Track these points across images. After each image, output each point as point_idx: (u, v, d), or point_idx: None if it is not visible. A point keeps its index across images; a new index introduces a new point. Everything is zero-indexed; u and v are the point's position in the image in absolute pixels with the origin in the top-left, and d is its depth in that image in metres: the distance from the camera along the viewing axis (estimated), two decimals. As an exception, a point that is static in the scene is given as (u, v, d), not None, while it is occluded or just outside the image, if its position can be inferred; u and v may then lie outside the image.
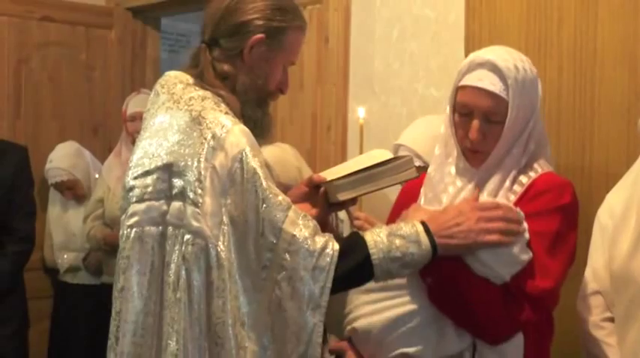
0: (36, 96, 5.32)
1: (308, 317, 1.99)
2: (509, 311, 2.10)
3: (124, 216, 2.15)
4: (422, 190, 2.37)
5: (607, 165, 3.04)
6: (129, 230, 2.11)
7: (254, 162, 2.01)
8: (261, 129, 2.22)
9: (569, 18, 3.15)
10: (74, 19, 5.46)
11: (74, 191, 5.00)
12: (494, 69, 2.17)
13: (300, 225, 2.01)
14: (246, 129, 2.08)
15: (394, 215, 2.44)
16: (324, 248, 2.00)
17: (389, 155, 2.41)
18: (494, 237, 2.08)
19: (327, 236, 2.04)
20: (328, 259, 2.00)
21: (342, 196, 2.29)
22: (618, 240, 2.56)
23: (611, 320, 2.60)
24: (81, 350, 4.84)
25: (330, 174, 2.37)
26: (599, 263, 2.63)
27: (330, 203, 2.35)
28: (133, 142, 4.56)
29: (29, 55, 5.29)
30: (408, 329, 2.16)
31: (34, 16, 5.28)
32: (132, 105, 4.71)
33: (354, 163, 2.40)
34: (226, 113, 2.10)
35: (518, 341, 2.15)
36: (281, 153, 3.37)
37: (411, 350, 2.15)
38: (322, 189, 2.33)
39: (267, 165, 2.05)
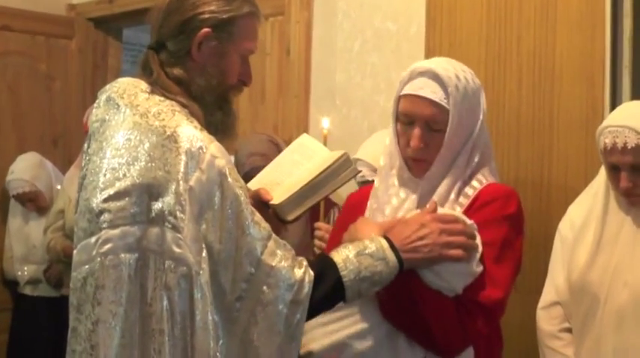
0: (-5, 106, 5.29)
1: (284, 350, 1.93)
2: (463, 323, 2.09)
3: (94, 241, 1.94)
4: (369, 203, 2.35)
5: (566, 179, 3.09)
6: (102, 258, 1.91)
7: (235, 186, 1.91)
8: (222, 133, 2.09)
9: (528, 33, 3.20)
10: (34, 28, 5.42)
11: (36, 202, 4.96)
12: (435, 77, 2.15)
13: (279, 255, 1.93)
14: (222, 148, 1.95)
15: (338, 227, 2.43)
16: (302, 280, 1.93)
17: (320, 145, 2.37)
18: (457, 252, 2.05)
19: (305, 266, 1.96)
20: (306, 291, 1.93)
21: (291, 216, 2.23)
22: (577, 251, 2.62)
23: (569, 330, 2.66)
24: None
25: (269, 179, 2.32)
26: (559, 274, 2.69)
27: (283, 220, 2.28)
28: (96, 154, 4.53)
29: (-13, 64, 5.27)
30: (360, 352, 2.13)
31: (-7, 25, 5.26)
32: (93, 117, 4.68)
33: (290, 163, 2.35)
34: (201, 129, 1.96)
35: (468, 353, 2.15)
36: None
37: None
38: (270, 210, 2.25)
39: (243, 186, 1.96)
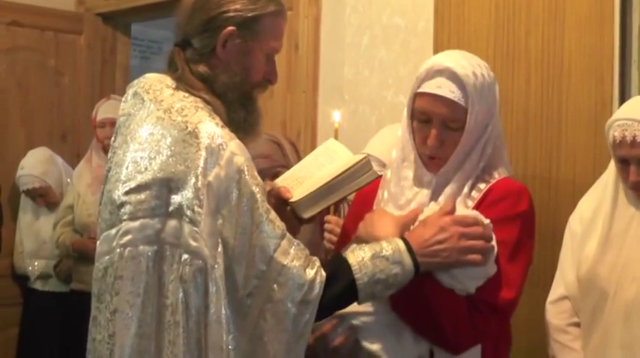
0: (4, 101, 5.28)
1: (291, 348, 1.95)
2: (475, 322, 2.10)
3: (114, 232, 1.99)
4: (379, 193, 2.36)
5: (574, 174, 3.09)
6: (122, 249, 1.96)
7: (252, 184, 1.94)
8: (245, 131, 2.11)
9: (536, 28, 3.20)
10: (43, 24, 5.43)
11: (46, 198, 4.98)
12: (453, 76, 2.16)
13: (291, 254, 1.95)
14: (242, 145, 1.98)
15: (349, 221, 2.45)
16: (313, 281, 1.95)
17: (344, 149, 2.39)
18: (476, 257, 2.05)
19: (317, 266, 1.97)
20: (316, 292, 1.95)
21: (307, 214, 2.26)
22: (585, 245, 2.63)
23: (577, 325, 2.67)
24: (51, 355, 4.84)
25: (292, 179, 2.36)
26: (568, 269, 2.70)
27: (299, 219, 2.30)
28: (104, 149, 4.56)
29: (-4, 60, 5.29)
30: (362, 324, 2.14)
31: (2, 20, 5.24)
32: (102, 112, 4.70)
33: (313, 164, 2.38)
34: (222, 126, 1.99)
35: (475, 350, 2.15)
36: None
37: (370, 346, 2.13)
38: (289, 208, 2.27)
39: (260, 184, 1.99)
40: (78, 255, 4.59)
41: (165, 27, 6.50)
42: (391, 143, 2.80)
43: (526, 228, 2.20)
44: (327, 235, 2.92)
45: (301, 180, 2.34)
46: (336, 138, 2.73)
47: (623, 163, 2.50)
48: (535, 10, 3.20)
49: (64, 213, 4.76)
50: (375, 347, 2.13)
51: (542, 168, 3.17)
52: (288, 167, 2.98)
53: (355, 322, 2.15)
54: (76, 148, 5.50)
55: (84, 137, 5.39)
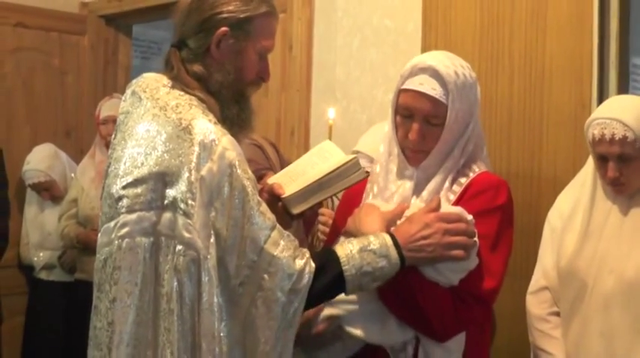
0: (10, 100, 5.36)
1: (280, 336, 2.00)
2: (458, 312, 2.15)
3: (113, 224, 2.06)
4: (367, 187, 2.42)
5: (555, 172, 3.15)
6: (120, 240, 2.03)
7: (243, 178, 1.99)
8: (238, 127, 2.17)
9: (519, 32, 3.26)
10: (48, 25, 5.48)
11: (51, 192, 5.06)
12: (435, 74, 2.22)
13: (281, 245, 2.00)
14: (234, 141, 2.03)
15: (338, 215, 2.53)
16: (302, 271, 2.00)
17: (338, 150, 2.45)
18: (459, 253, 2.10)
19: (306, 257, 2.02)
20: (305, 282, 2.00)
21: (296, 209, 2.30)
22: (565, 239, 2.70)
23: (557, 314, 2.74)
24: (55, 343, 4.93)
25: (286, 176, 2.42)
26: (548, 262, 2.77)
27: (290, 214, 2.33)
28: (107, 145, 4.62)
29: (3, 60, 5.33)
30: (346, 312, 2.21)
31: (8, 21, 5.32)
32: (105, 110, 4.79)
33: (307, 163, 2.44)
34: (215, 123, 2.04)
35: (460, 337, 2.22)
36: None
37: (354, 331, 2.20)
38: (280, 204, 2.31)
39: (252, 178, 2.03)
40: (82, 246, 4.67)
41: (165, 28, 6.51)
42: (381, 140, 2.90)
43: (505, 220, 2.26)
44: (320, 227, 2.98)
45: (295, 177, 2.38)
46: (330, 134, 2.80)
47: (602, 160, 2.56)
48: (518, 14, 3.25)
49: (69, 207, 4.83)
50: (359, 332, 2.19)
51: (525, 167, 3.22)
52: (271, 168, 3.05)
53: (339, 310, 2.21)
54: (80, 144, 5.55)
55: (87, 134, 5.45)
